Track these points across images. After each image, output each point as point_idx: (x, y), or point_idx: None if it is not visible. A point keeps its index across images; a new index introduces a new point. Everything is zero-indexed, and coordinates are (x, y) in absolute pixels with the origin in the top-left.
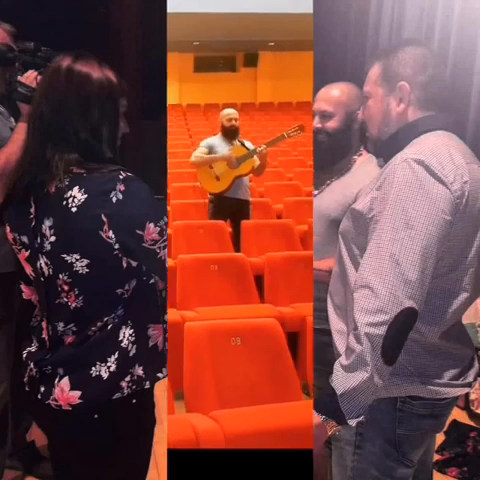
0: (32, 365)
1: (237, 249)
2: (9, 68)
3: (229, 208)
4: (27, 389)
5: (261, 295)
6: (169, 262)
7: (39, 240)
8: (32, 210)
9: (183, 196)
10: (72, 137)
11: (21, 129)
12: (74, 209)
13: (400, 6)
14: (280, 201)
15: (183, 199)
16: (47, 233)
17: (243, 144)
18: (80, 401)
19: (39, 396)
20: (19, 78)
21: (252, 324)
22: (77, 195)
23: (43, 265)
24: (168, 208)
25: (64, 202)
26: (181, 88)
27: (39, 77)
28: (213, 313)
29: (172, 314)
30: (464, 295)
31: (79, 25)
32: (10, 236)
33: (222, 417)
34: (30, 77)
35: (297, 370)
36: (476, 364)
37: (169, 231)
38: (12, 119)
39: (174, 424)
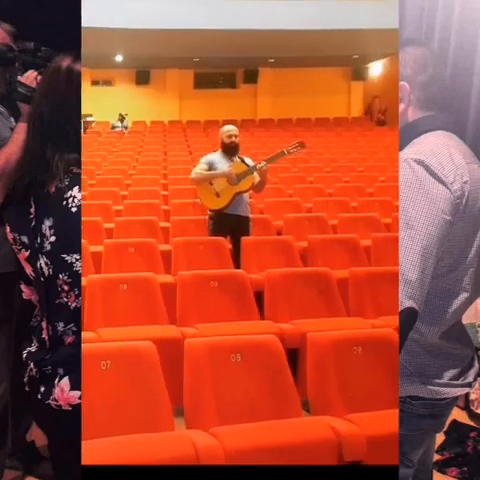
0: (32, 365)
1: (237, 265)
2: (9, 68)
3: (229, 225)
4: (27, 389)
5: (261, 311)
6: (169, 279)
7: (39, 240)
8: (32, 210)
9: (183, 212)
10: (72, 137)
11: (21, 129)
12: (74, 209)
13: (400, 6)
14: (280, 218)
15: (183, 216)
16: (47, 233)
17: (243, 160)
18: (80, 401)
19: (39, 396)
20: (19, 78)
21: (252, 340)
22: (77, 195)
23: (43, 265)
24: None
25: (64, 202)
26: (181, 104)
27: (39, 77)
28: (213, 329)
29: (172, 330)
30: (464, 295)
31: (79, 25)
32: (10, 236)
33: (222, 433)
34: (30, 77)
35: (297, 386)
36: (476, 364)
37: (169, 247)
38: (12, 119)
39: (174, 440)
